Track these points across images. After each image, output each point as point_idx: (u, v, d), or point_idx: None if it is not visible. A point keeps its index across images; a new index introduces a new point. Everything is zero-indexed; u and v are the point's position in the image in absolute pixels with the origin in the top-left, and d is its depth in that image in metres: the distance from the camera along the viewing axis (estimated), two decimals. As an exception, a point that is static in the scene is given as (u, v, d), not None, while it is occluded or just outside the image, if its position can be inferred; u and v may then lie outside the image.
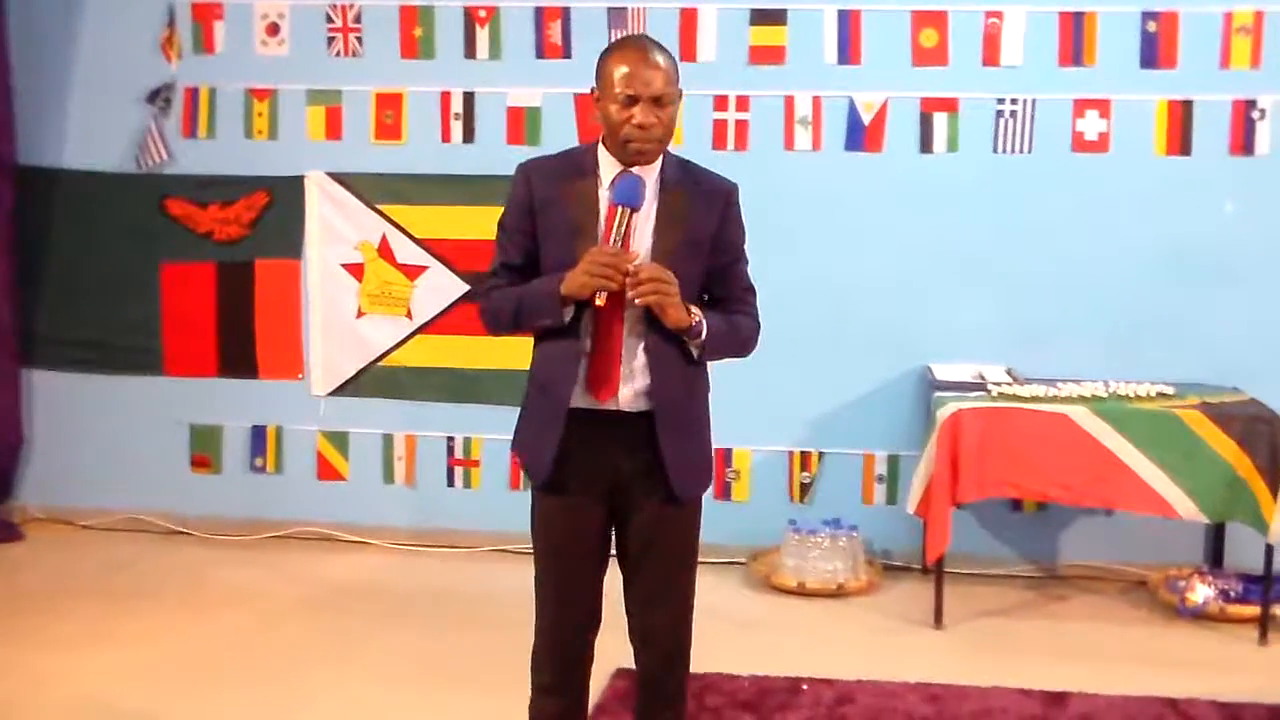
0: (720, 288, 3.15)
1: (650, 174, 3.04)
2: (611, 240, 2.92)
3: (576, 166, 3.09)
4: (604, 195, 3.01)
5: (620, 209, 2.94)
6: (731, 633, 4.89)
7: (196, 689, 4.39)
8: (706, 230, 3.07)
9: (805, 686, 4.38)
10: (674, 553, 3.15)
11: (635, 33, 5.37)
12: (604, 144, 3.06)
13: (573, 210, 3.02)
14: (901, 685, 4.40)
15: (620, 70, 2.96)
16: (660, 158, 3.07)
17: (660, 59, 2.98)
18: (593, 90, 3.06)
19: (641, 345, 3.01)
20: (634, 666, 3.26)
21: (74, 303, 6.18)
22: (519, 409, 3.19)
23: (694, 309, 3.00)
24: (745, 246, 3.20)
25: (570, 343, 3.02)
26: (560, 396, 3.02)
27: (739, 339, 3.16)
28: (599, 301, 2.90)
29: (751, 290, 3.22)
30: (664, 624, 3.17)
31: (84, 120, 6.08)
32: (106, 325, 6.15)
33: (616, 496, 3.10)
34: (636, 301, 2.92)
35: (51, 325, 6.21)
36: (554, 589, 3.15)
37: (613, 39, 4.98)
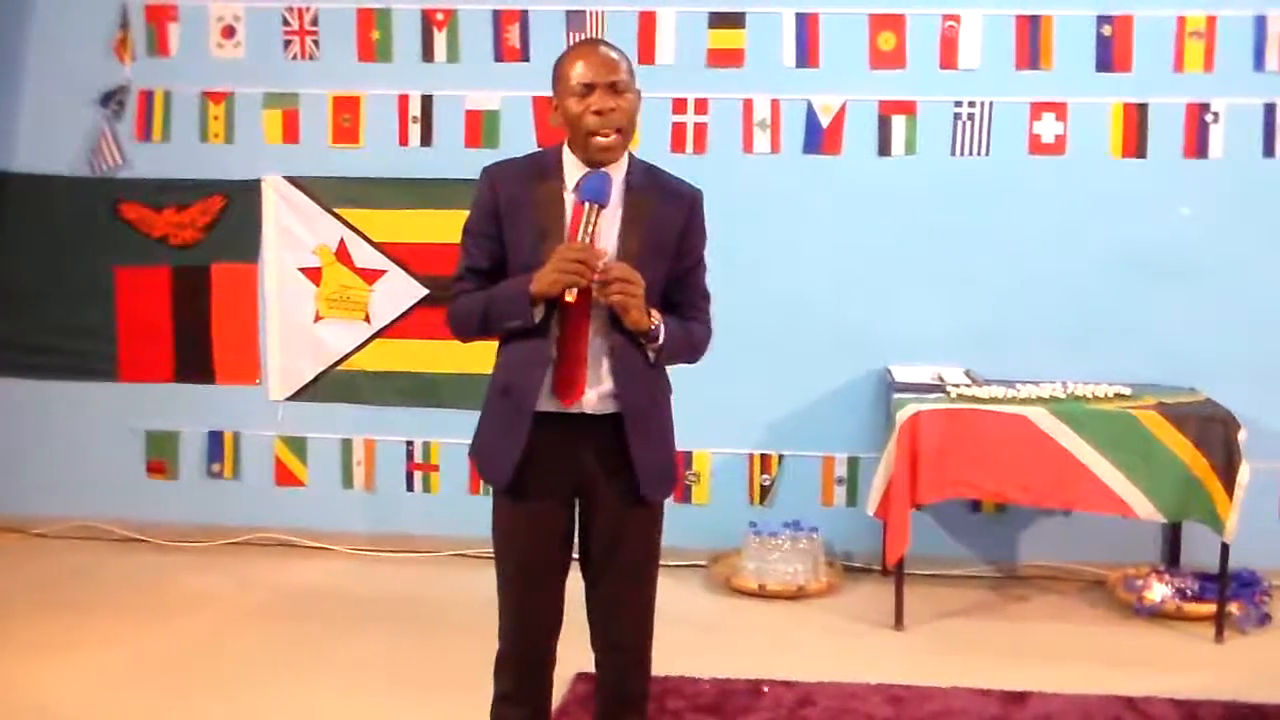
0: (678, 293, 3.15)
1: (616, 175, 3.04)
2: (580, 237, 2.91)
3: (541, 169, 3.08)
4: (569, 198, 3.00)
5: (588, 206, 2.93)
6: (692, 635, 4.89)
7: (153, 698, 4.35)
8: (671, 234, 3.08)
9: (766, 689, 4.38)
10: (637, 557, 3.14)
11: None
12: (568, 147, 3.06)
13: (538, 213, 3.01)
14: (862, 686, 4.41)
15: (576, 65, 2.98)
16: (626, 160, 3.07)
17: (614, 52, 3.02)
18: (551, 99, 3.06)
19: (608, 348, 3.01)
20: (594, 671, 3.25)
21: (27, 308, 6.10)
22: (479, 413, 3.18)
23: (654, 313, 3.00)
24: (705, 253, 3.21)
25: (537, 346, 3.00)
26: (526, 400, 3.01)
27: (691, 344, 3.16)
28: (569, 298, 2.89)
29: (707, 297, 3.23)
30: (627, 629, 3.17)
31: (36, 123, 6.01)
32: (61, 330, 6.09)
33: (581, 500, 3.09)
34: (603, 301, 2.92)
35: (4, 330, 6.13)
36: (516, 594, 3.14)
37: (571, 42, 4.98)
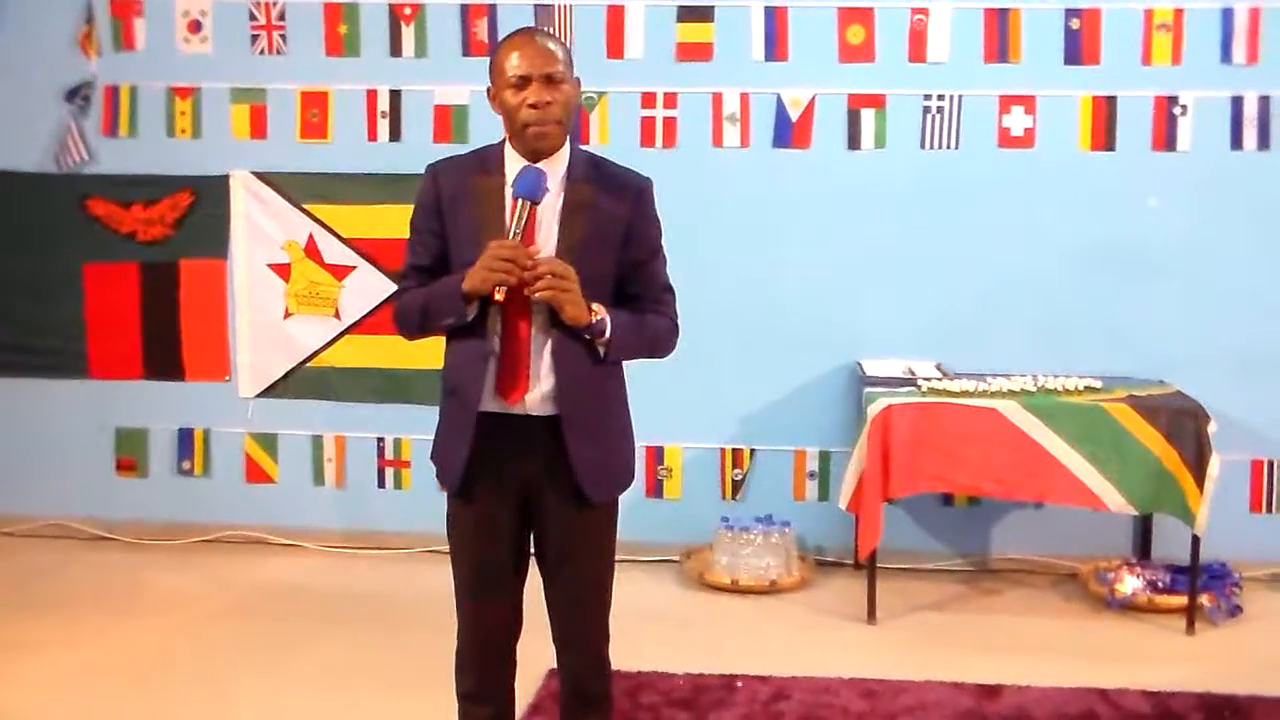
0: (635, 285, 3.09)
1: (557, 168, 3.01)
2: (511, 234, 2.88)
3: (483, 164, 3.06)
4: (510, 193, 2.97)
5: (520, 202, 2.90)
6: (665, 631, 4.89)
7: (123, 697, 4.32)
8: (614, 225, 3.03)
9: (740, 684, 4.38)
10: (588, 558, 3.12)
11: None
12: (510, 142, 3.04)
13: (478, 209, 2.99)
14: (836, 680, 4.41)
15: (511, 57, 2.96)
16: (567, 152, 3.04)
17: (549, 42, 2.99)
18: (489, 90, 3.05)
19: (548, 343, 2.98)
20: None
21: (-6, 306, 6.07)
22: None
23: (596, 306, 2.95)
24: (662, 244, 3.16)
25: (478, 345, 2.98)
26: (470, 400, 2.99)
27: (648, 337, 3.10)
28: (498, 296, 2.85)
29: (669, 290, 3.17)
30: (582, 630, 3.16)
31: (1, 119, 5.95)
32: (29, 327, 6.04)
33: (529, 501, 3.07)
34: (534, 297, 2.88)
35: (-30, 328, 6.09)
36: (470, 596, 3.14)
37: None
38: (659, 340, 3.13)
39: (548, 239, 2.98)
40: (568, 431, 2.98)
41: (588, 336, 2.97)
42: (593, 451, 3.02)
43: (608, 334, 2.97)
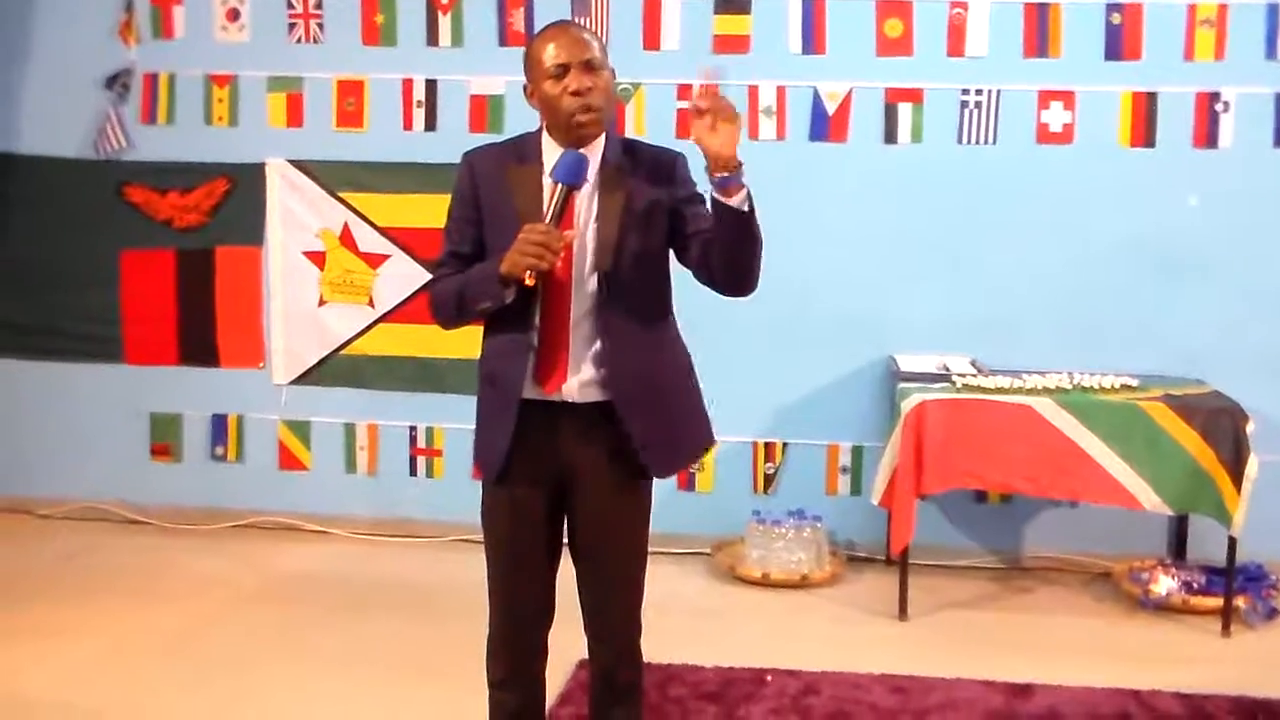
0: (704, 222, 3.02)
1: (593, 154, 3.00)
2: (547, 218, 2.86)
3: (519, 153, 3.06)
4: (547, 182, 2.96)
5: (559, 186, 2.89)
6: (695, 623, 4.89)
7: (156, 679, 4.35)
8: (651, 198, 3.01)
9: (769, 678, 4.37)
10: (621, 548, 3.12)
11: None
12: (547, 130, 3.03)
13: (517, 197, 2.98)
14: (866, 676, 4.40)
15: (548, 48, 2.95)
16: (603, 139, 3.03)
17: (584, 33, 3.01)
18: (525, 87, 3.04)
19: (593, 329, 2.97)
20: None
21: (33, 290, 6.11)
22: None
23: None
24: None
25: (518, 334, 2.98)
26: (510, 389, 2.99)
27: (760, 232, 3.02)
28: (529, 281, 2.84)
29: None
30: (615, 617, 3.15)
31: (42, 106, 6.00)
32: (66, 313, 6.09)
33: (566, 488, 3.06)
34: (700, 105, 2.83)
35: (10, 313, 6.14)
36: (502, 583, 3.13)
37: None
38: (762, 240, 3.05)
39: (587, 224, 2.98)
40: (626, 412, 2.98)
41: (724, 192, 2.87)
42: (657, 427, 3.02)
43: (745, 181, 2.88)
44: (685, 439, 3.18)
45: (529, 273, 2.83)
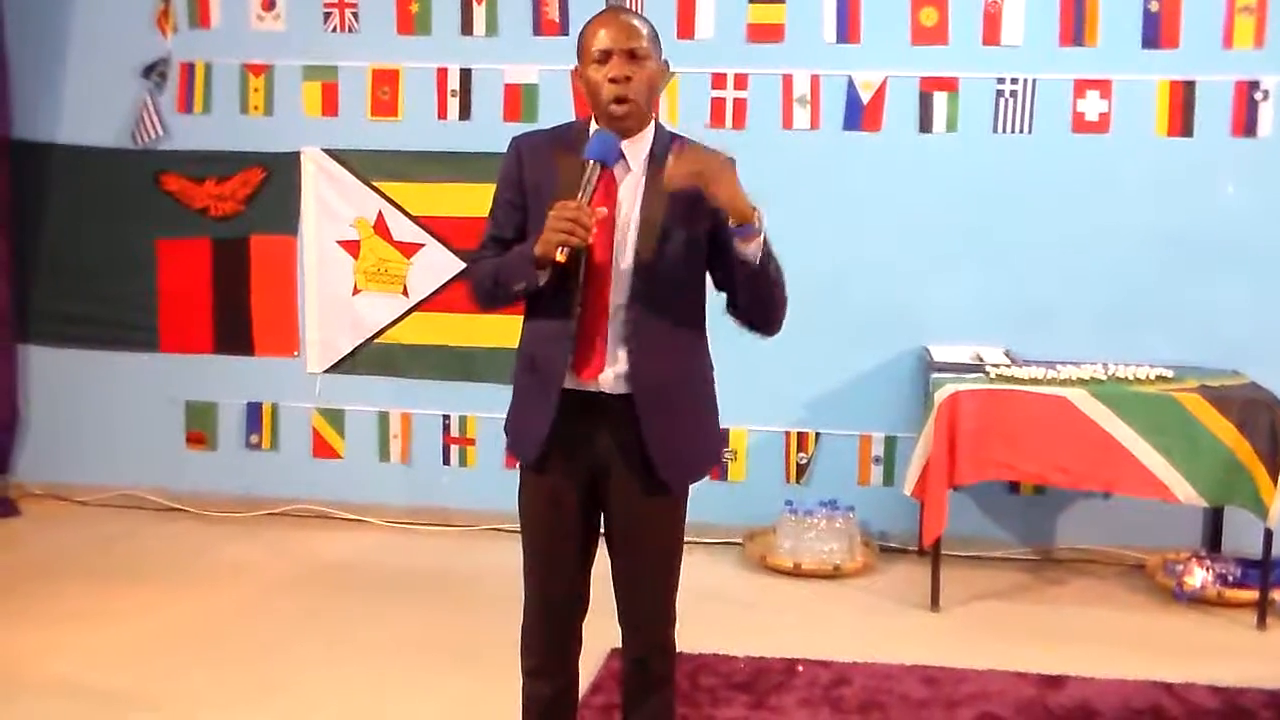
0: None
1: (641, 148, 2.99)
2: (579, 196, 2.83)
3: (566, 141, 3.03)
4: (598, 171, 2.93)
5: (591, 163, 2.87)
6: (727, 613, 4.89)
7: (189, 665, 4.39)
8: (696, 197, 2.91)
9: (801, 668, 4.38)
10: (655, 540, 3.10)
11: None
12: (596, 120, 3.02)
13: (561, 184, 2.94)
14: (898, 667, 4.39)
15: (598, 33, 2.93)
16: (652, 132, 3.02)
17: (634, 20, 2.96)
18: (575, 69, 3.03)
19: (627, 320, 2.95)
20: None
21: (69, 279, 6.16)
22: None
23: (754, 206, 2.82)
24: None
25: (558, 320, 2.97)
26: (551, 375, 2.98)
27: (782, 277, 2.99)
28: (559, 257, 2.80)
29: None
30: (648, 609, 3.14)
31: (79, 95, 6.05)
32: (102, 301, 6.14)
33: (599, 479, 3.05)
34: (668, 185, 2.83)
35: (47, 301, 6.19)
36: (536, 571, 3.13)
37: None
38: (783, 284, 3.01)
39: (630, 219, 2.96)
40: (643, 411, 2.97)
41: (739, 239, 2.84)
42: (669, 434, 3.00)
43: (763, 229, 2.84)
44: (695, 451, 3.12)
45: (561, 250, 2.80)
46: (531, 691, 3.19)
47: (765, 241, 2.88)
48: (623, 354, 2.96)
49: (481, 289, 3.06)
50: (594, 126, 3.01)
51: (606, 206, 2.92)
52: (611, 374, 2.97)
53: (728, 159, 2.84)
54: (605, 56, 2.91)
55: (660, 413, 2.98)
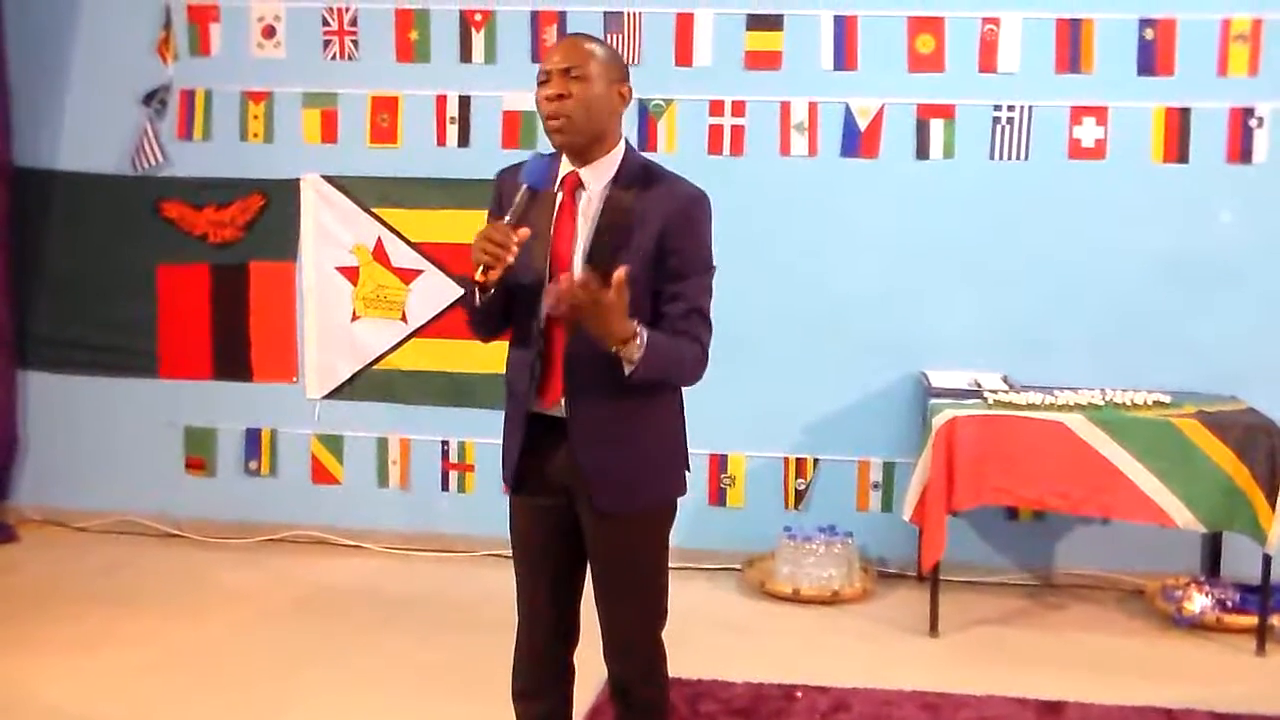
0: (664, 302, 2.93)
1: (604, 173, 2.96)
2: (509, 217, 2.84)
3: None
4: (559, 198, 2.96)
5: (524, 188, 2.88)
6: (726, 639, 4.89)
7: (188, 692, 4.38)
8: (650, 236, 2.90)
9: (800, 694, 4.37)
10: (625, 564, 3.07)
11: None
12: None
13: (533, 213, 2.92)
14: (897, 693, 4.39)
15: (544, 58, 2.97)
16: (618, 158, 2.98)
17: (585, 43, 2.96)
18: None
19: (568, 345, 2.94)
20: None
21: (69, 304, 6.17)
22: None
23: (639, 328, 2.78)
24: (706, 265, 2.98)
25: (525, 348, 3.01)
26: (520, 400, 3.03)
27: (675, 362, 2.90)
28: (479, 277, 2.81)
29: (699, 313, 2.95)
30: (626, 635, 3.11)
31: (80, 122, 6.07)
32: (102, 327, 6.14)
33: (571, 502, 3.04)
34: (547, 313, 2.87)
35: (47, 326, 6.20)
36: (522, 592, 3.17)
37: (609, 43, 4.96)
38: (685, 368, 2.94)
39: (579, 245, 2.94)
40: (575, 438, 2.95)
41: (615, 353, 2.80)
42: (604, 460, 2.96)
43: (637, 357, 2.79)
44: (639, 481, 3.02)
45: (481, 270, 2.81)
46: (522, 713, 3.19)
47: (643, 361, 2.80)
48: (569, 377, 2.95)
49: (467, 317, 3.07)
50: (564, 156, 3.01)
51: (566, 231, 2.92)
52: (564, 400, 2.97)
53: (610, 297, 2.69)
54: (546, 77, 2.92)
55: (598, 441, 2.96)
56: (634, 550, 3.08)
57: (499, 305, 2.97)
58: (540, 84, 2.93)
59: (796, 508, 5.74)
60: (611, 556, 3.07)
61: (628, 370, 2.82)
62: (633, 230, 2.91)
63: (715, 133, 5.62)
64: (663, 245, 2.90)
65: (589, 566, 3.12)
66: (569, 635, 3.17)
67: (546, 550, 3.10)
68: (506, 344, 3.13)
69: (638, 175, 2.97)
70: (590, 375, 2.91)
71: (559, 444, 3.00)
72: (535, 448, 3.02)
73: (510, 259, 2.81)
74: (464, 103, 5.78)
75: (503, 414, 3.15)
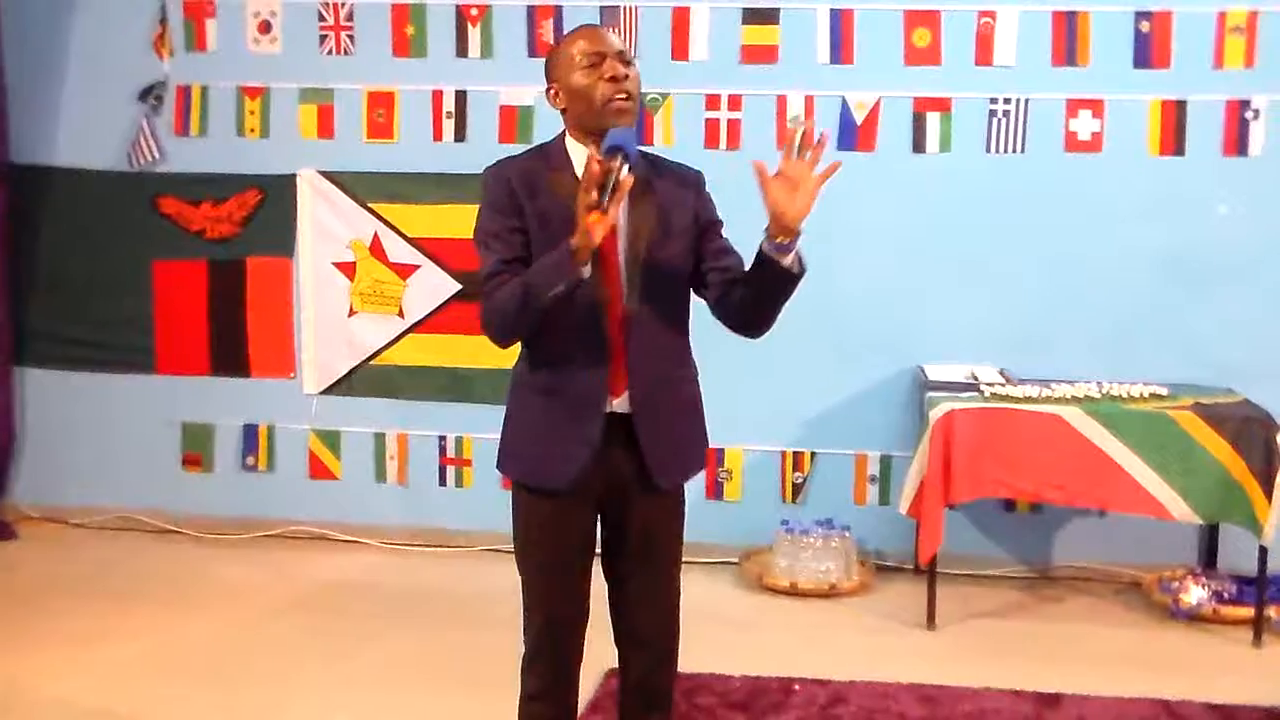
0: (725, 257, 3.05)
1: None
2: (605, 195, 2.71)
3: (549, 160, 3.01)
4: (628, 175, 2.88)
5: (617, 159, 2.74)
6: (723, 633, 4.89)
7: (186, 688, 4.38)
8: (685, 216, 3.02)
9: (797, 687, 4.37)
10: (666, 552, 3.13)
11: None
12: (571, 132, 3.00)
13: (556, 201, 2.90)
14: (894, 686, 4.39)
15: (578, 44, 2.94)
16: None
17: (613, 33, 3.02)
18: (549, 88, 3.01)
19: (625, 341, 2.96)
20: (618, 667, 3.24)
21: (66, 301, 6.17)
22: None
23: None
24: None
25: (587, 345, 2.94)
26: (587, 400, 2.96)
27: None
28: (599, 229, 2.71)
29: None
30: (657, 623, 3.15)
31: (76, 118, 6.07)
32: (99, 323, 6.14)
33: (609, 495, 3.04)
34: (789, 172, 2.89)
35: (44, 323, 6.20)
36: (548, 594, 3.08)
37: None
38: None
39: (618, 232, 2.93)
40: (639, 426, 2.98)
41: (779, 253, 2.88)
42: (664, 440, 3.02)
43: (799, 245, 2.90)
44: (689, 457, 3.16)
45: (595, 219, 2.71)
46: (530, 713, 3.16)
47: (800, 255, 2.93)
48: (634, 369, 2.97)
49: (504, 315, 2.90)
50: (570, 142, 3.00)
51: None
52: (626, 392, 2.98)
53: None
54: (599, 59, 2.90)
55: (658, 425, 3.01)
56: (678, 520, 3.15)
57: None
58: (587, 67, 2.90)
59: (794, 501, 5.75)
60: (656, 530, 3.10)
61: (790, 261, 2.89)
62: (663, 212, 2.99)
63: (712, 127, 5.63)
64: (699, 223, 3.06)
65: (616, 560, 3.13)
66: (586, 620, 3.16)
67: (574, 548, 3.07)
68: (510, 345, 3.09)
69: (644, 164, 3.00)
70: (649, 365, 2.99)
71: (614, 439, 2.99)
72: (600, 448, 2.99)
73: (616, 211, 2.74)
74: (460, 97, 5.78)
75: (502, 411, 3.11)
